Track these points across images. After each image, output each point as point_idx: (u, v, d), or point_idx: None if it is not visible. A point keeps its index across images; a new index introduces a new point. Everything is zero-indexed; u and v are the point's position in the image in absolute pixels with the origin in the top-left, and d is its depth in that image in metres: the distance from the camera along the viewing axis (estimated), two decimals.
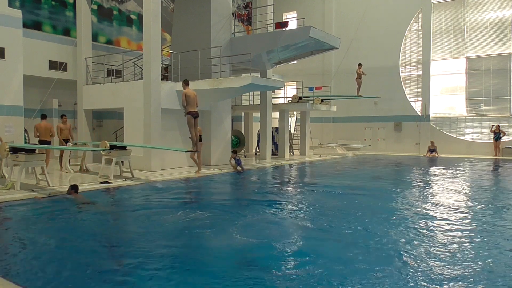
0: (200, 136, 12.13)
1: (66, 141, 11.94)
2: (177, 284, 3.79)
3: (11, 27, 11.53)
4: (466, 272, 4.06)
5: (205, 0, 14.45)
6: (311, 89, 20.79)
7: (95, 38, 16.65)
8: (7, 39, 11.40)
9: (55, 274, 3.95)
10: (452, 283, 3.76)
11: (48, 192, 8.15)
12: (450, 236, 5.40)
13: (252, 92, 21.19)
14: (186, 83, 11.15)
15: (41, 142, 10.88)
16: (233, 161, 13.21)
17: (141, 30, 15.16)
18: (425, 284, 3.74)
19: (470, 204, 7.88)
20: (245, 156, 19.03)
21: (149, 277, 3.89)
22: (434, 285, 3.70)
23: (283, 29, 14.58)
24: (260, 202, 8.09)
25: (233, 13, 17.57)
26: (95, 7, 16.61)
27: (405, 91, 22.89)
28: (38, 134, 10.82)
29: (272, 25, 15.62)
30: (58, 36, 15.69)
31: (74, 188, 8.03)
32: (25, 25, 12.89)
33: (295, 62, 21.85)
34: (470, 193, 9.27)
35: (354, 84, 19.36)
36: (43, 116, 11.33)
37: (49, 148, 10.89)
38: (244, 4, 25.61)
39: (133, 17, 19.02)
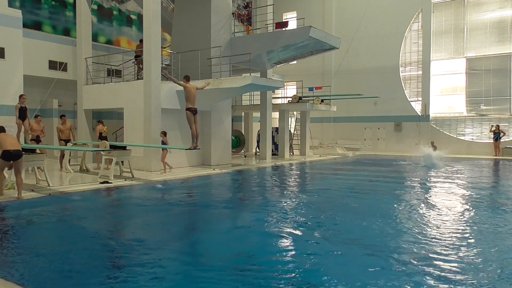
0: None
1: (67, 141, 11.95)
2: None
3: (11, 27, 11.50)
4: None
5: (205, 0, 14.44)
6: (311, 89, 20.80)
7: (95, 38, 16.64)
8: (7, 39, 11.37)
9: None
10: None
11: (48, 192, 8.15)
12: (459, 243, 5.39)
13: (252, 92, 21.19)
14: (187, 79, 11.16)
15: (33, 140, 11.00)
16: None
17: (141, 30, 15.14)
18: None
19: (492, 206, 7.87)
20: (245, 156, 19.03)
21: None
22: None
23: (283, 29, 14.58)
24: (259, 203, 8.09)
25: (233, 13, 17.58)
26: (95, 7, 16.60)
27: (405, 91, 22.89)
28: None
29: (272, 25, 15.62)
30: (58, 36, 15.68)
31: None
32: (25, 25, 12.87)
33: (295, 62, 21.85)
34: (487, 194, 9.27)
35: (354, 83, 19.35)
36: (36, 116, 11.43)
37: (48, 148, 10.88)
38: (244, 4, 25.60)
39: (133, 17, 19.02)
